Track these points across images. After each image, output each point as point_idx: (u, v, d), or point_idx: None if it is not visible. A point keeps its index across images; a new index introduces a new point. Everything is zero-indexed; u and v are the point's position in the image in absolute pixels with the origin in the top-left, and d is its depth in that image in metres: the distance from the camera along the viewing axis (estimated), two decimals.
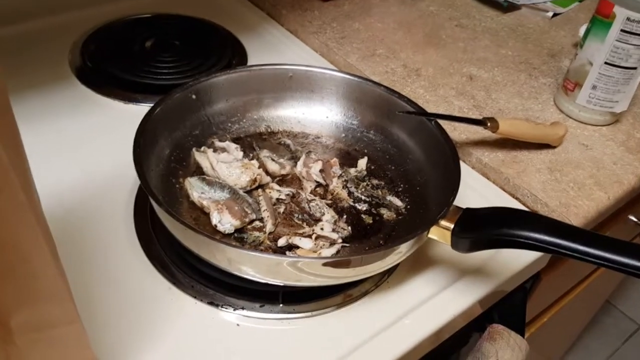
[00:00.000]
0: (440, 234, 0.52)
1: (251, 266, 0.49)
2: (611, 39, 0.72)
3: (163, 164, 0.61)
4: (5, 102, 0.32)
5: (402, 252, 0.51)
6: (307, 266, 0.49)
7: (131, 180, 0.63)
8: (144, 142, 0.56)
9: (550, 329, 1.02)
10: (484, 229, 0.50)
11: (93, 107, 0.74)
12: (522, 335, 0.61)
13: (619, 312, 1.91)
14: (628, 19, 0.69)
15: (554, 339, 1.25)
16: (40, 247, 0.33)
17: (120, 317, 0.51)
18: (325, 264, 0.50)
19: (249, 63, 0.84)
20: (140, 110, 0.67)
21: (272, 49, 0.88)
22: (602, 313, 1.84)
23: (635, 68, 0.73)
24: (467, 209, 0.53)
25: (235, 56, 0.85)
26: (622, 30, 0.71)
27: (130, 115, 0.62)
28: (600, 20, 0.73)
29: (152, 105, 0.61)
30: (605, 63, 0.74)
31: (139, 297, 0.53)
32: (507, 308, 0.65)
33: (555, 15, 1.03)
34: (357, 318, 0.54)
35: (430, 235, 0.52)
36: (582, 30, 0.87)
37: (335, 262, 0.51)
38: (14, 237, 0.32)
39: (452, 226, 0.51)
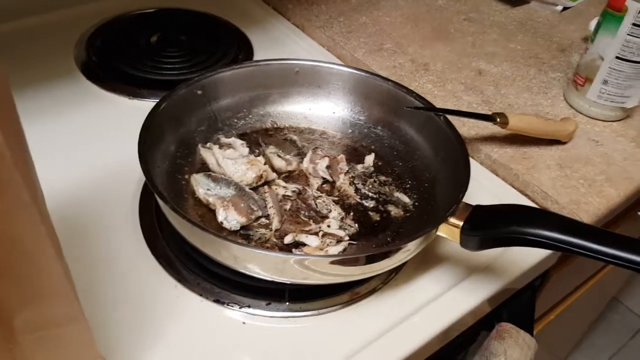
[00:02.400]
0: (449, 231, 0.51)
1: (257, 264, 0.49)
2: (623, 33, 0.71)
3: (169, 160, 0.60)
4: (9, 97, 0.31)
5: (410, 250, 0.51)
6: (314, 264, 0.48)
7: (136, 176, 0.62)
8: (149, 138, 0.56)
9: (558, 326, 1.01)
10: (494, 226, 0.49)
11: (98, 102, 0.73)
12: (531, 333, 0.61)
13: (625, 308, 1.90)
14: None
15: (561, 337, 1.25)
16: (44, 245, 0.33)
17: (125, 314, 0.51)
18: (332, 262, 0.49)
19: (255, 58, 0.84)
20: (145, 105, 0.66)
21: (278, 43, 0.87)
22: (609, 309, 1.83)
23: None
24: (477, 206, 0.52)
25: (241, 51, 0.84)
26: (634, 24, 0.69)
27: (136, 110, 0.62)
28: (612, 14, 0.71)
29: (157, 100, 0.60)
30: (617, 57, 0.72)
31: (144, 295, 0.53)
32: (516, 306, 0.64)
33: (564, 9, 1.02)
34: (364, 316, 0.54)
35: (439, 233, 0.52)
36: (592, 24, 0.85)
37: (343, 260, 0.50)
38: (17, 235, 0.31)
39: (461, 224, 0.50)
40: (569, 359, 1.68)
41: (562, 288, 0.91)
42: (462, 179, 0.55)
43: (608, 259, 0.45)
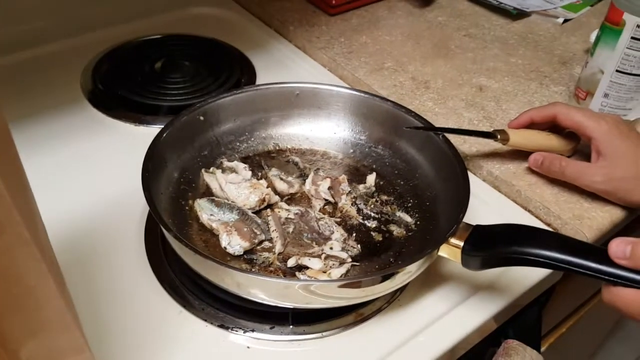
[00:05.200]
0: (450, 252, 0.51)
1: (261, 290, 0.49)
2: (622, 46, 0.71)
3: (172, 186, 0.61)
4: (7, 137, 0.32)
5: (411, 271, 0.51)
6: (317, 288, 0.49)
7: (142, 202, 0.62)
8: (153, 166, 0.57)
9: (571, 338, 1.00)
10: (495, 247, 0.49)
11: (104, 129, 0.75)
12: (538, 350, 0.60)
13: None
14: (638, 26, 0.68)
15: (575, 347, 1.23)
16: (45, 279, 0.33)
17: (131, 340, 0.52)
18: (334, 286, 0.49)
19: (258, 80, 0.85)
20: (150, 132, 0.67)
21: (280, 65, 0.88)
22: (626, 319, 1.80)
23: None
24: (477, 226, 0.52)
25: (244, 74, 0.85)
26: (632, 38, 0.70)
27: (142, 137, 0.63)
28: (610, 27, 0.72)
29: (162, 127, 0.61)
30: (617, 71, 0.73)
31: (149, 321, 0.53)
32: (522, 323, 0.64)
33: (565, 21, 1.02)
34: (369, 337, 0.54)
35: (440, 254, 0.52)
36: (593, 36, 0.85)
37: (345, 284, 0.50)
38: (18, 271, 0.32)
39: (462, 244, 0.51)
40: None
41: (571, 301, 0.90)
42: (462, 199, 0.55)
43: (609, 278, 0.45)
